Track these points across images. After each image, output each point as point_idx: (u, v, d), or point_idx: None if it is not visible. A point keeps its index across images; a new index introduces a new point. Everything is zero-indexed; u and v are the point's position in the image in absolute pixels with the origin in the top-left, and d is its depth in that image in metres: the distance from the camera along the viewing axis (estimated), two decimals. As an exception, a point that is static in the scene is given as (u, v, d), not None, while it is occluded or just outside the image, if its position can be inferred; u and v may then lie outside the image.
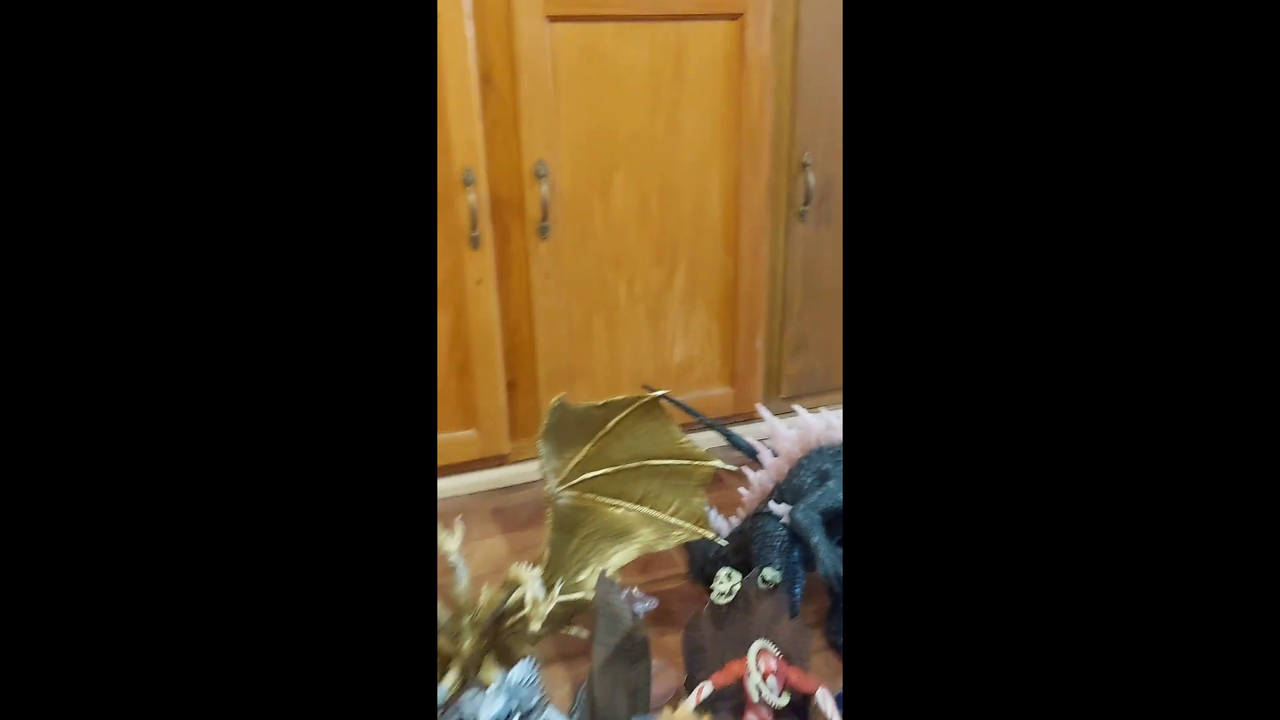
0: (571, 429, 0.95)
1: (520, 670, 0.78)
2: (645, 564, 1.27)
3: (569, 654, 1.03)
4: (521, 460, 1.58)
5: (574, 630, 1.03)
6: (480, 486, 1.55)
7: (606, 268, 1.51)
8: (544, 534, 0.99)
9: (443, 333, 1.43)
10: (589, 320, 1.54)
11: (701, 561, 1.15)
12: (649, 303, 1.56)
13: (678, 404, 1.10)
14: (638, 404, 0.95)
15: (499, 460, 1.53)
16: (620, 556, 1.02)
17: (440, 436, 1.48)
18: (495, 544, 1.37)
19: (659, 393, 0.95)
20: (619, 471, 0.99)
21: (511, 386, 1.51)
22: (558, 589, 0.94)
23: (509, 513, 1.47)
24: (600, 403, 0.95)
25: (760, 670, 0.85)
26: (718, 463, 0.99)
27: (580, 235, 1.47)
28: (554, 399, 0.91)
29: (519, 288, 1.46)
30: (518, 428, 1.55)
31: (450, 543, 0.90)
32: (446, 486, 1.51)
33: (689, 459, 0.99)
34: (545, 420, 0.92)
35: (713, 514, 1.07)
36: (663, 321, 1.59)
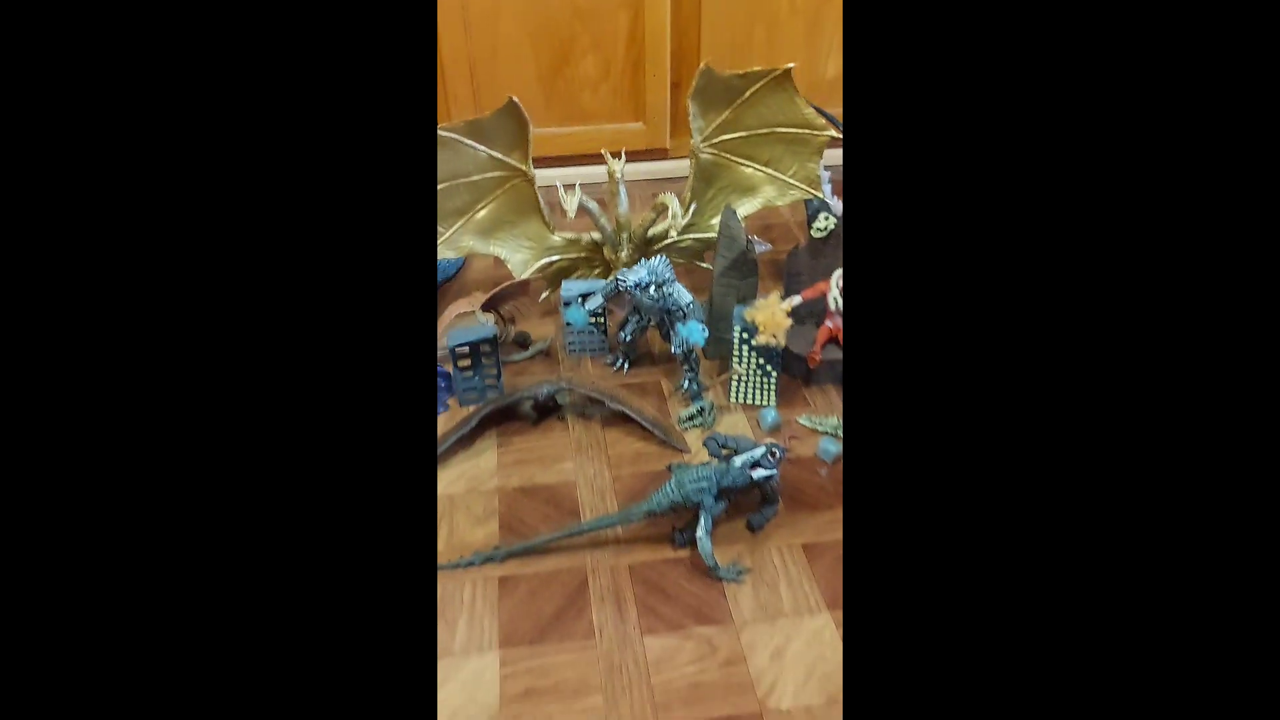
0: (716, 93, 1.18)
1: (657, 258, 1.09)
2: (769, 235, 1.54)
3: (699, 286, 1.34)
4: (679, 156, 1.83)
5: (704, 264, 1.33)
6: (640, 175, 1.82)
7: (771, -23, 1.63)
8: (687, 181, 1.26)
9: (619, 32, 1.64)
10: (751, 29, 1.69)
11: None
12: (808, 16, 1.68)
13: (821, 112, 1.27)
14: (771, 76, 1.16)
15: (661, 153, 1.79)
16: (745, 208, 1.28)
17: (611, 126, 1.75)
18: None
19: (790, 65, 1.15)
20: (751, 136, 1.22)
21: (675, 87, 1.73)
22: (693, 207, 1.22)
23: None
24: (740, 72, 1.16)
25: (839, 288, 1.12)
26: (832, 131, 1.20)
27: (750, -58, 1.59)
28: (702, 63, 1.13)
29: (690, -6, 1.63)
30: (678, 127, 1.79)
31: (616, 166, 1.19)
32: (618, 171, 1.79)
33: (809, 128, 1.20)
34: (695, 82, 1.15)
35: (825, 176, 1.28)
36: (819, 37, 1.71)
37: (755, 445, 0.91)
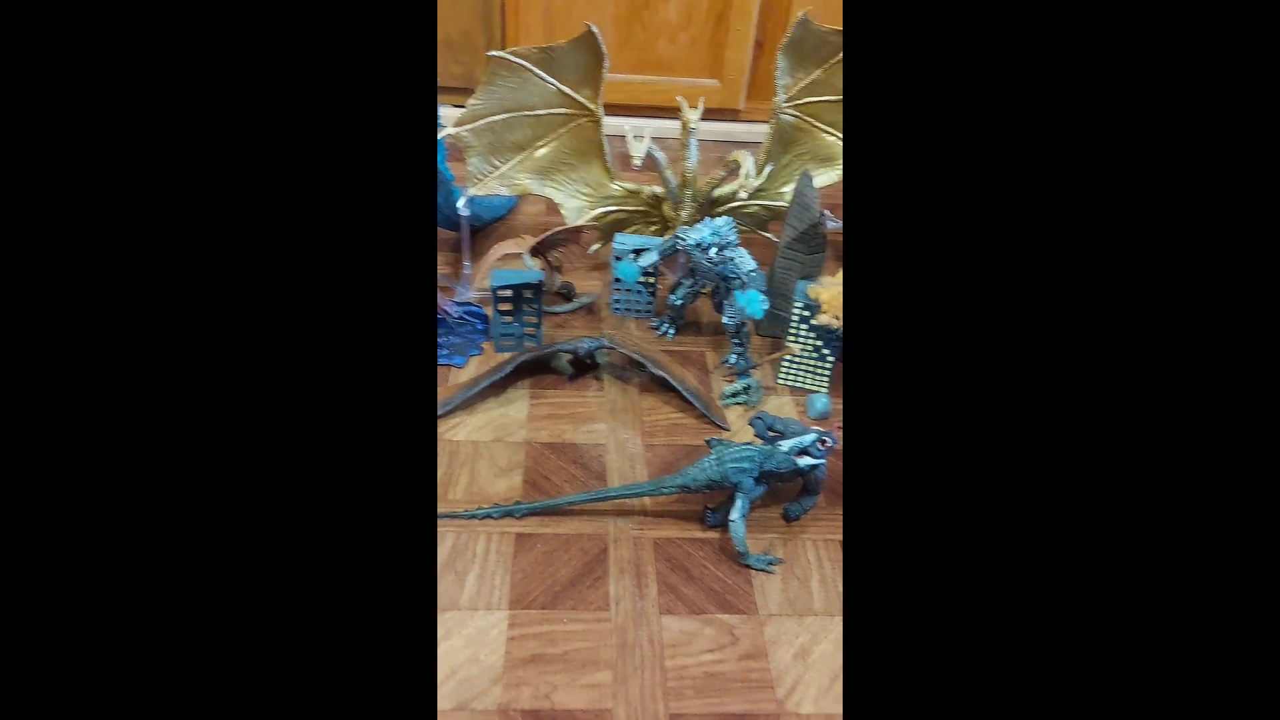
0: (810, 49, 1.09)
1: (723, 219, 1.02)
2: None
3: (760, 259, 1.26)
4: (752, 120, 1.74)
5: (768, 234, 1.26)
6: (709, 135, 1.74)
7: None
8: (764, 144, 1.18)
9: (707, -21, 1.55)
10: (846, -6, 1.59)
11: None
12: (909, -14, 1.58)
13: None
14: (871, 40, 1.07)
15: (733, 114, 1.71)
16: (823, 179, 1.20)
17: (685, 80, 1.66)
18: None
19: (893, 31, 1.06)
20: (840, 102, 1.14)
21: (759, 46, 1.64)
22: (768, 171, 1.15)
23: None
24: (840, 28, 1.07)
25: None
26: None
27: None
28: (801, 12, 1.05)
29: (787, -54, 1.53)
30: (755, 88, 1.70)
31: (691, 116, 1.11)
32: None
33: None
34: (790, 32, 1.07)
35: None
36: (918, 9, 1.61)
37: (805, 431, 0.85)
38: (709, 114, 1.73)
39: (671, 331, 1.15)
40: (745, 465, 0.83)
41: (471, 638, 0.75)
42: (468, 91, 1.66)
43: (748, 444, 0.85)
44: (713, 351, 1.14)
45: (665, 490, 0.86)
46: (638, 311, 1.18)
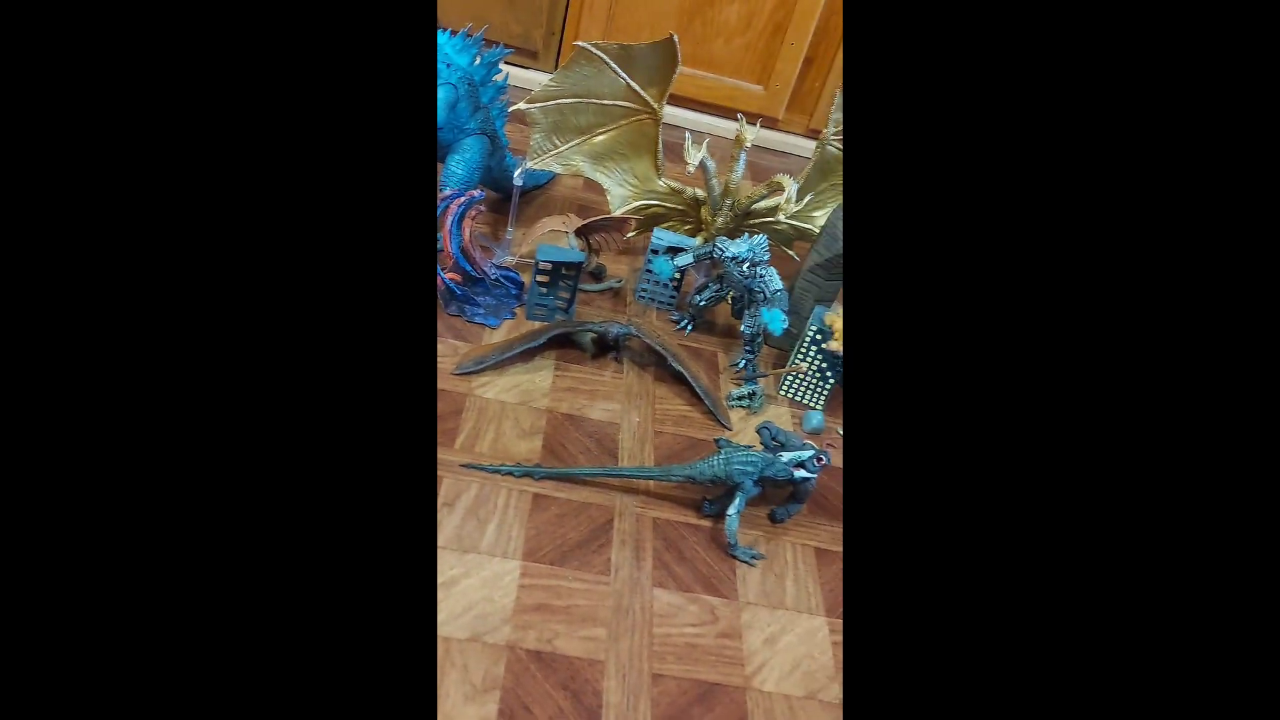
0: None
1: (761, 238, 1.10)
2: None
3: (784, 275, 1.35)
4: (789, 131, 1.81)
5: (792, 253, 1.34)
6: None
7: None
8: (805, 169, 1.26)
9: (774, -10, 1.61)
10: (899, 30, 1.66)
11: None
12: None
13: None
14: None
15: (771, 122, 1.78)
16: (850, 211, 1.29)
17: (731, 81, 1.73)
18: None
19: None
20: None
21: (808, 62, 1.70)
22: (808, 199, 1.23)
23: (758, 170, 1.74)
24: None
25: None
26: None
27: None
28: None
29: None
30: (797, 102, 1.77)
31: (749, 134, 1.19)
32: (723, 126, 1.78)
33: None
34: (849, 77, 1.14)
35: None
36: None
37: (804, 446, 0.95)
38: (749, 118, 1.80)
39: (690, 327, 1.24)
40: (748, 469, 0.93)
41: (488, 580, 0.84)
42: (524, 52, 1.71)
43: (752, 449, 0.95)
44: (724, 353, 1.23)
45: (673, 477, 0.95)
46: (660, 302, 1.27)
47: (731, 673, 0.83)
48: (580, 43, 1.10)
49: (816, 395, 1.16)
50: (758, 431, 0.99)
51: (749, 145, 1.18)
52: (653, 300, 1.27)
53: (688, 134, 1.20)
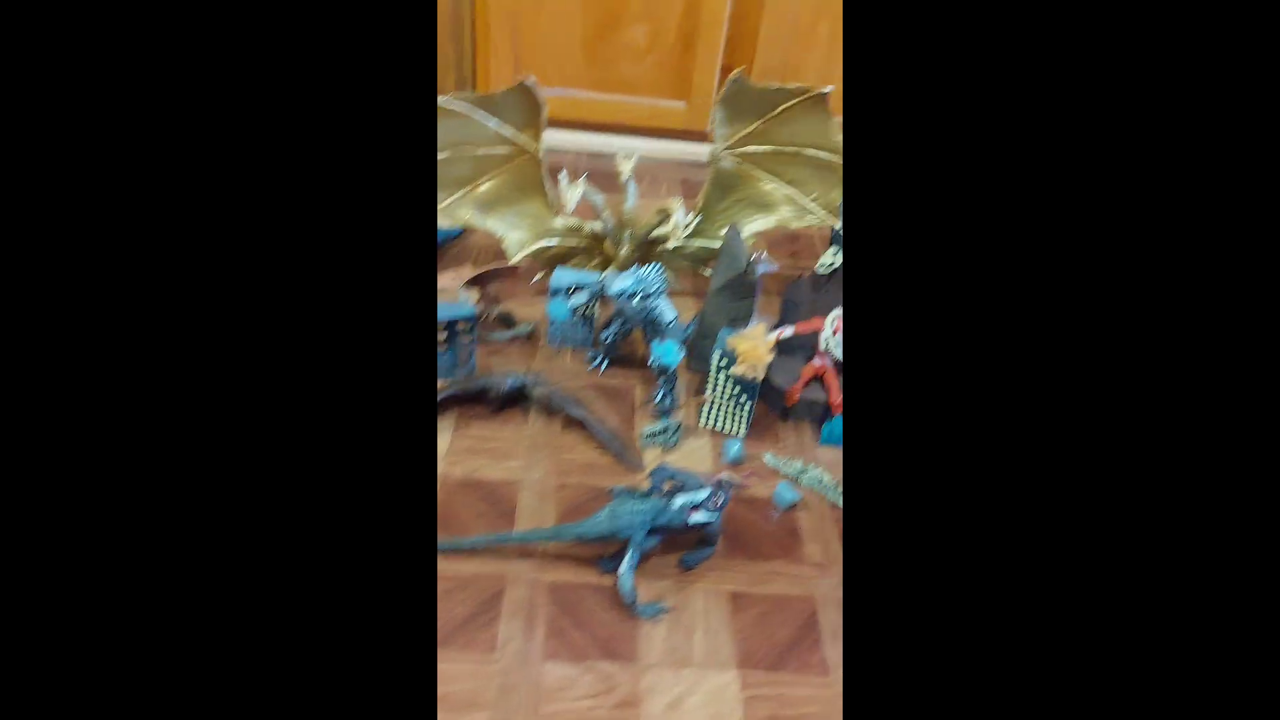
0: (747, 104, 1.11)
1: (651, 267, 1.05)
2: (793, 251, 1.48)
3: (702, 292, 1.30)
4: (718, 142, 1.76)
5: (706, 271, 1.29)
6: (674, 155, 1.76)
7: (845, -28, 1.53)
8: (702, 188, 1.21)
9: (675, 3, 1.56)
10: (815, 23, 1.60)
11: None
12: (878, 19, 1.58)
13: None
14: (809, 95, 1.09)
15: (700, 135, 1.72)
16: (758, 224, 1.23)
17: (650, 101, 1.68)
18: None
19: (828, 89, 1.08)
20: (778, 152, 1.16)
21: (726, 70, 1.65)
22: (695, 220, 1.18)
23: (693, 186, 1.69)
24: (775, 86, 1.09)
25: (833, 328, 1.07)
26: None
27: (827, -68, 1.49)
28: (734, 71, 1.07)
29: (755, -26, 1.54)
30: (723, 112, 1.72)
31: (626, 167, 1.14)
32: (647, 148, 1.73)
33: (840, 155, 1.14)
34: (724, 89, 1.09)
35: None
36: (886, 42, 1.61)
37: (701, 486, 0.89)
38: (676, 135, 1.75)
39: (605, 364, 1.19)
40: (637, 520, 0.87)
41: (360, 674, 0.80)
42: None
43: (644, 497, 0.89)
44: (643, 387, 1.17)
45: (564, 538, 0.90)
46: (575, 342, 1.22)
47: (626, 747, 0.77)
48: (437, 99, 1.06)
49: (736, 423, 1.10)
50: (650, 475, 0.93)
51: (628, 178, 1.13)
52: (566, 342, 1.22)
53: (563, 174, 1.16)
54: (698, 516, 0.87)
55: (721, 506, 0.88)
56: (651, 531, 0.88)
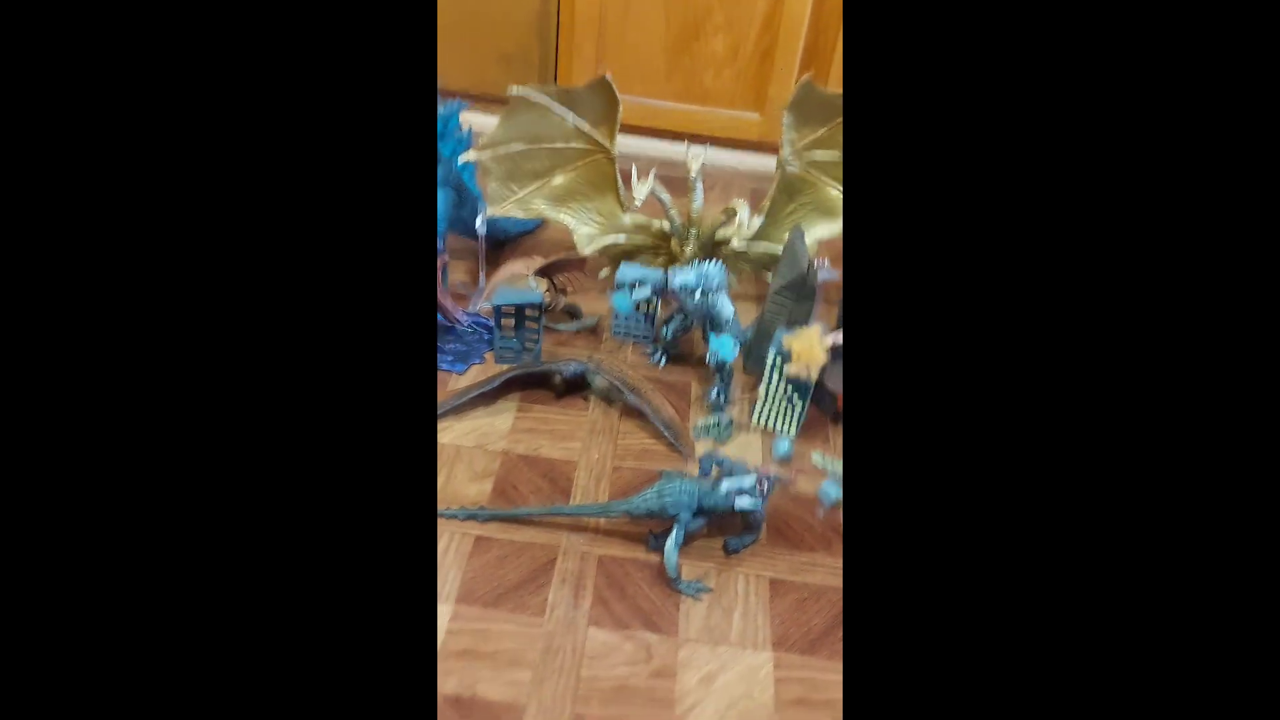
0: (814, 109, 1.14)
1: (712, 263, 1.09)
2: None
3: (762, 295, 1.32)
4: (791, 153, 1.79)
5: (768, 275, 1.32)
6: (747, 166, 1.79)
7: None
8: (769, 191, 1.24)
9: (755, 17, 1.60)
10: (893, 39, 1.62)
11: None
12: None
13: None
14: (876, 104, 1.11)
15: (773, 148, 1.76)
16: (822, 230, 1.25)
17: (727, 112, 1.72)
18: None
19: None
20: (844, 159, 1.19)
21: (801, 83, 1.68)
22: (760, 221, 1.21)
23: (762, 195, 1.72)
24: (841, 91, 1.12)
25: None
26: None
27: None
28: (804, 76, 1.10)
29: (835, -11, 1.57)
30: (796, 123, 1.74)
31: (694, 165, 1.18)
32: (720, 158, 1.77)
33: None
34: (794, 94, 1.12)
35: None
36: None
37: (748, 473, 0.92)
38: (752, 146, 1.79)
39: (664, 360, 1.23)
40: (683, 499, 0.90)
41: (417, 624, 0.86)
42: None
43: (692, 479, 0.92)
44: (699, 383, 1.21)
45: (613, 513, 0.94)
46: (637, 337, 1.27)
47: (659, 714, 0.81)
48: (516, 89, 1.13)
49: (786, 422, 1.12)
50: (699, 461, 0.96)
51: (697, 173, 1.17)
52: (628, 335, 1.27)
53: (633, 167, 1.21)
54: (743, 502, 0.90)
55: (766, 494, 0.91)
56: (698, 513, 0.91)
